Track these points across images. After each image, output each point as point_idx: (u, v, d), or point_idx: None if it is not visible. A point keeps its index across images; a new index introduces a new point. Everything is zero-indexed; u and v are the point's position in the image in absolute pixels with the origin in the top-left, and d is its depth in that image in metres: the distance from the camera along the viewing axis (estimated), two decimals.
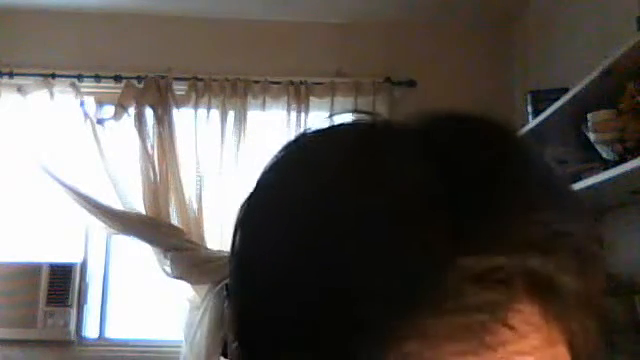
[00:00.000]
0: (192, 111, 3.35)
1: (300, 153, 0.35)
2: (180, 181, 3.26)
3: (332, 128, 0.37)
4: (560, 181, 0.35)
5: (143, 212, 3.23)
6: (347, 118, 0.36)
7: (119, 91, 3.33)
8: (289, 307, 0.30)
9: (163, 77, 3.34)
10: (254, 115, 3.36)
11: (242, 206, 0.36)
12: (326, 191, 0.31)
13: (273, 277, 0.32)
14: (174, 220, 3.23)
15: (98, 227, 3.28)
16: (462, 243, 0.29)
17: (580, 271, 0.32)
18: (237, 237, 0.36)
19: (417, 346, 0.28)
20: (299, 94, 3.35)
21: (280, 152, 0.35)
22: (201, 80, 3.35)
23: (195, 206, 3.25)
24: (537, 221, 0.30)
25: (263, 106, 3.36)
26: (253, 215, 0.35)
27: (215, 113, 3.34)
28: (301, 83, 3.37)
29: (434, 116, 0.36)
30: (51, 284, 3.25)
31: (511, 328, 0.29)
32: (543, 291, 0.30)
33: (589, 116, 1.94)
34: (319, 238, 0.30)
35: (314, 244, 0.30)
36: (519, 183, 0.32)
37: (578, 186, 2.01)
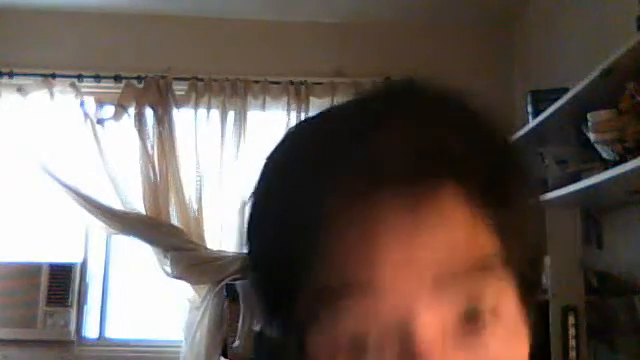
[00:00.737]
0: (192, 111, 3.35)
1: (287, 141, 0.43)
2: (180, 181, 3.26)
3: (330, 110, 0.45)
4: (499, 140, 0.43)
5: (143, 212, 3.23)
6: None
7: (119, 91, 3.33)
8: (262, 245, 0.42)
9: (163, 77, 3.34)
10: (254, 115, 3.36)
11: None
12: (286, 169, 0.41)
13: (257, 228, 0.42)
14: (174, 220, 3.23)
15: (98, 227, 3.28)
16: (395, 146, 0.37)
17: (499, 185, 0.38)
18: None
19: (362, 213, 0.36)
20: (299, 94, 3.35)
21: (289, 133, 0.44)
22: (201, 80, 3.35)
23: (195, 206, 3.25)
24: (470, 141, 0.38)
25: (263, 106, 3.36)
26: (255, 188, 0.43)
27: (215, 113, 3.34)
28: (301, 83, 3.37)
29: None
30: (51, 284, 3.25)
31: (439, 202, 0.36)
32: (470, 178, 0.37)
33: (589, 116, 1.94)
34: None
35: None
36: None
37: (578, 186, 2.01)
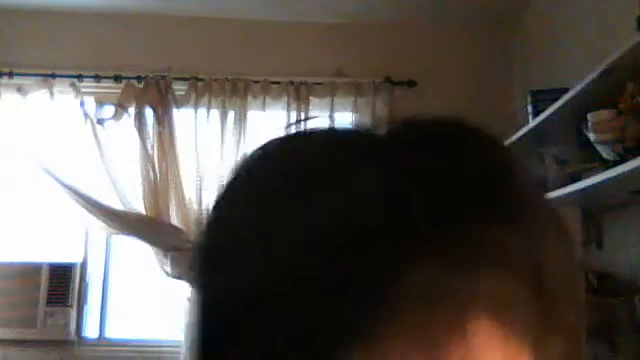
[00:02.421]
0: (192, 111, 3.35)
1: (263, 163, 0.34)
2: (180, 181, 3.26)
3: (297, 135, 0.36)
4: (533, 194, 0.33)
5: (143, 212, 3.23)
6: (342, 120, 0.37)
7: (119, 91, 3.33)
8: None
9: (163, 77, 3.34)
10: (254, 115, 3.36)
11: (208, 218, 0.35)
12: (275, 211, 0.30)
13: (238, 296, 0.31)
14: (174, 220, 3.23)
15: (98, 227, 3.28)
16: (411, 257, 0.28)
17: (539, 289, 0.30)
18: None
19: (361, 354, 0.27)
20: (299, 94, 3.35)
21: (246, 158, 0.35)
22: (201, 80, 3.35)
23: (195, 206, 3.25)
24: (493, 237, 0.29)
25: (263, 106, 3.36)
26: (214, 216, 0.35)
27: (215, 113, 3.34)
28: (301, 83, 3.37)
29: (407, 122, 0.34)
30: (51, 284, 3.25)
31: (466, 343, 0.27)
32: (499, 310, 0.28)
33: (589, 116, 1.94)
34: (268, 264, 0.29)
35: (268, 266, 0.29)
36: (479, 194, 0.30)
37: (578, 186, 2.01)
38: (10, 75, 3.32)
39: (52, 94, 3.31)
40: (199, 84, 3.35)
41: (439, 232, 0.28)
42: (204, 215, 0.30)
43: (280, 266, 0.29)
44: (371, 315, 0.27)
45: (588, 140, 1.99)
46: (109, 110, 3.39)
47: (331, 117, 3.46)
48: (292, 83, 3.36)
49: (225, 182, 0.35)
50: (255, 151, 0.34)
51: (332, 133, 0.35)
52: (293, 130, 0.35)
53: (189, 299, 3.21)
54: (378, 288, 0.27)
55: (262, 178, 0.33)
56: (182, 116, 3.35)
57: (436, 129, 0.33)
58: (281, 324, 0.28)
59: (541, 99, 2.48)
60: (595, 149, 1.96)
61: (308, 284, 0.28)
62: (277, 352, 0.28)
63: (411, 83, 3.40)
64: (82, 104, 3.32)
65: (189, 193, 3.26)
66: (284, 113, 3.35)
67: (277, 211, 0.30)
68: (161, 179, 3.26)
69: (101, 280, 3.40)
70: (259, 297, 0.29)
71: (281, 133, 0.35)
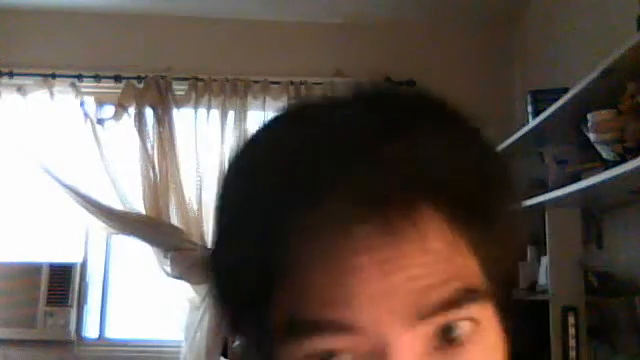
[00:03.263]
0: (192, 111, 3.35)
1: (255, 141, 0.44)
2: (180, 181, 3.26)
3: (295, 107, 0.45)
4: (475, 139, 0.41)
5: (143, 212, 3.23)
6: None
7: (119, 91, 3.33)
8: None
9: (163, 77, 3.34)
10: (254, 115, 3.36)
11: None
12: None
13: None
14: (174, 220, 3.23)
15: (98, 227, 3.28)
16: (369, 156, 0.35)
17: (479, 198, 0.37)
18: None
19: (328, 235, 0.35)
20: (299, 94, 3.35)
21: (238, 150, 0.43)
22: (201, 80, 3.35)
23: (195, 206, 3.25)
24: (437, 152, 0.36)
25: (263, 106, 3.36)
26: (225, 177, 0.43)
27: (215, 113, 3.34)
28: (301, 83, 3.37)
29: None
30: (51, 284, 3.25)
31: (416, 225, 0.35)
32: (450, 204, 0.36)
33: (589, 116, 1.94)
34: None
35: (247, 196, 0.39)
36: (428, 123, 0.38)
37: (578, 186, 2.01)
38: (10, 75, 3.32)
39: (52, 94, 3.31)
40: (199, 84, 3.35)
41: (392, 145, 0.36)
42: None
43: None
44: (338, 206, 0.34)
45: (588, 140, 1.99)
46: (109, 110, 3.39)
47: None
48: (292, 83, 3.36)
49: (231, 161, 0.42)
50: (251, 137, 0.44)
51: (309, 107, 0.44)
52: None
53: (189, 299, 3.21)
54: (342, 186, 0.34)
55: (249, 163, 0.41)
56: (182, 116, 3.35)
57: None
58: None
59: (541, 99, 2.48)
60: (595, 149, 1.96)
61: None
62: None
63: (411, 83, 3.40)
64: (82, 104, 3.32)
65: (189, 193, 3.26)
66: None
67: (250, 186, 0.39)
68: (161, 179, 3.26)
69: (101, 280, 3.40)
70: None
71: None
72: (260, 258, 0.36)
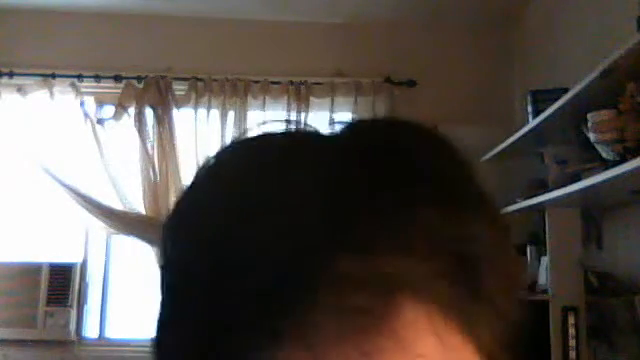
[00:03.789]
0: (192, 111, 3.35)
1: (219, 163, 0.37)
2: (180, 181, 3.26)
3: (253, 139, 0.38)
4: (468, 187, 0.35)
5: (143, 212, 3.23)
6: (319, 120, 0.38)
7: (119, 91, 3.33)
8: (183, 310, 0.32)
9: (163, 77, 3.34)
10: (254, 115, 3.36)
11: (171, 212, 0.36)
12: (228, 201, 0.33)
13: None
14: None
15: (98, 227, 3.28)
16: (339, 244, 0.29)
17: (466, 275, 0.31)
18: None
19: (290, 347, 0.28)
20: (299, 94, 3.35)
21: (206, 162, 0.36)
22: (201, 80, 3.35)
23: None
24: (420, 224, 0.31)
25: (263, 106, 3.36)
26: (172, 222, 0.36)
27: (215, 113, 3.34)
28: (301, 83, 3.37)
29: (359, 127, 0.37)
30: (51, 284, 3.25)
31: (396, 333, 0.29)
32: (428, 296, 0.30)
33: (589, 116, 1.94)
34: (212, 240, 0.32)
35: (206, 247, 0.32)
36: (407, 187, 0.32)
37: (578, 186, 2.01)
38: (10, 75, 3.32)
39: (52, 94, 3.31)
40: (199, 84, 3.35)
41: (357, 223, 0.30)
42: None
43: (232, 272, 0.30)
44: (300, 303, 0.29)
45: (588, 140, 1.99)
46: (109, 110, 3.39)
47: (331, 117, 3.48)
48: (292, 83, 3.37)
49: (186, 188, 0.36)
50: (210, 159, 0.36)
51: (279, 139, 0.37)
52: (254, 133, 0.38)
53: None
54: (303, 277, 0.29)
55: (207, 189, 0.35)
56: (182, 116, 3.35)
57: (372, 134, 0.36)
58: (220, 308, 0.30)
59: (541, 99, 2.48)
60: (595, 149, 1.96)
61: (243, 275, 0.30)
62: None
63: (411, 83, 3.40)
64: (82, 104, 3.32)
65: None
66: (284, 113, 3.35)
67: (222, 226, 0.32)
68: (161, 179, 3.26)
69: (101, 280, 3.40)
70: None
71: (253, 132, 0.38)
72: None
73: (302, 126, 0.37)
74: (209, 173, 0.36)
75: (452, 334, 0.31)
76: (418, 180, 0.32)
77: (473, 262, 0.32)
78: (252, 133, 0.38)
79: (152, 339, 0.35)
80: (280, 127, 0.37)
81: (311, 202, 0.31)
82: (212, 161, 0.36)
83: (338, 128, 0.36)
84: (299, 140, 0.37)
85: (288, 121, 0.37)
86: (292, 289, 0.29)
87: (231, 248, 0.31)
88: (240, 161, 0.36)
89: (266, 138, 0.37)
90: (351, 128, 0.36)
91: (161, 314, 0.35)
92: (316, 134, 0.37)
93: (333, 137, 0.36)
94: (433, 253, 0.31)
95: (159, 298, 0.35)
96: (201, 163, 0.36)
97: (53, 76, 3.32)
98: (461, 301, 0.32)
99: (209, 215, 0.33)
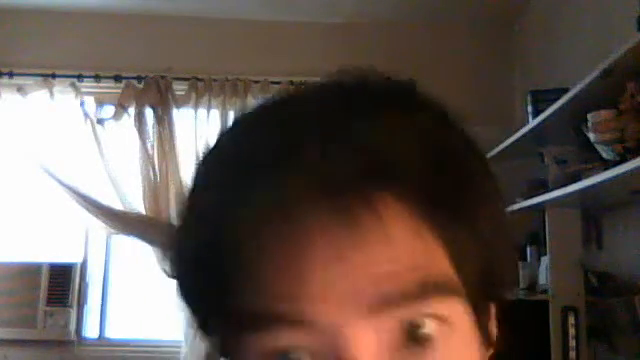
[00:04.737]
0: (192, 111, 3.35)
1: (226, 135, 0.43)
2: (180, 181, 3.25)
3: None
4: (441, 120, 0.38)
5: (143, 212, 3.23)
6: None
7: (119, 91, 3.33)
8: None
9: (163, 77, 3.34)
10: None
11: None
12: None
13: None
14: (174, 220, 3.23)
15: (98, 227, 3.28)
16: (320, 132, 0.34)
17: (451, 183, 0.34)
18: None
19: (283, 229, 0.33)
20: None
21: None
22: (201, 80, 3.35)
23: None
24: (407, 122, 0.35)
25: None
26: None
27: (215, 113, 3.34)
28: (301, 83, 3.36)
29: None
30: (51, 284, 3.25)
31: (377, 214, 0.32)
32: (409, 189, 0.33)
33: (589, 116, 1.94)
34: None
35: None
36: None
37: (578, 186, 2.01)
38: (10, 75, 3.32)
39: (52, 94, 3.31)
40: (199, 84, 3.35)
41: (335, 121, 0.35)
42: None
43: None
44: (292, 197, 0.32)
45: (588, 140, 1.99)
46: (109, 110, 3.39)
47: None
48: (292, 83, 3.36)
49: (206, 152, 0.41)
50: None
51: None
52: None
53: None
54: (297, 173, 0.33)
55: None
56: (182, 116, 3.35)
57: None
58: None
59: (541, 99, 2.48)
60: (595, 149, 1.96)
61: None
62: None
63: None
64: (82, 104, 3.32)
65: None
66: None
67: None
68: (161, 179, 3.26)
69: (101, 280, 3.40)
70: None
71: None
72: (215, 251, 0.34)
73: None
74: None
75: (427, 238, 0.34)
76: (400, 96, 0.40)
77: (459, 174, 0.35)
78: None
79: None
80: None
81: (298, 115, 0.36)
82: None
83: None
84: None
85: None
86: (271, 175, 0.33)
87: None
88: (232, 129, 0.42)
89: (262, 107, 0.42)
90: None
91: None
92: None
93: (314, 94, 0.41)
94: (420, 145, 0.34)
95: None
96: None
97: (53, 76, 3.32)
98: (441, 208, 0.34)
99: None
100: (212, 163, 0.39)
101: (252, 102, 3.35)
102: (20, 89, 3.31)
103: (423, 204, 0.33)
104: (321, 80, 0.41)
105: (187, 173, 3.28)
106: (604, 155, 1.92)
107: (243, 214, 0.33)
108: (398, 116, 0.36)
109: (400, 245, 0.33)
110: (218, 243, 0.34)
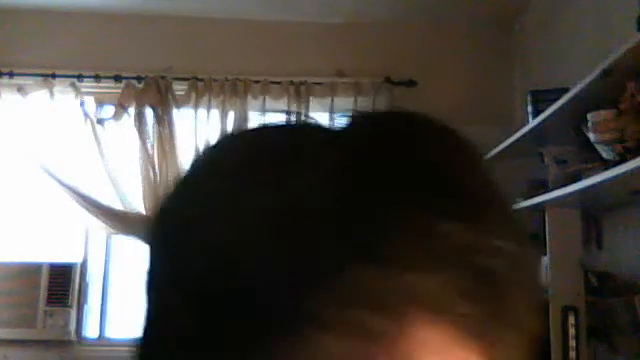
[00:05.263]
0: (192, 111, 3.35)
1: (216, 155, 0.34)
2: None
3: (253, 130, 0.35)
4: (493, 195, 0.32)
5: (143, 212, 3.23)
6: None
7: (119, 91, 3.33)
8: (197, 312, 0.29)
9: (163, 77, 3.34)
10: (254, 115, 3.37)
11: (159, 207, 0.34)
12: (229, 196, 0.30)
13: (182, 283, 0.31)
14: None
15: (98, 227, 3.28)
16: (342, 252, 0.27)
17: (488, 293, 0.29)
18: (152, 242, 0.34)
19: None
20: (299, 94, 3.35)
21: (201, 153, 0.34)
22: (201, 80, 3.35)
23: None
24: (437, 235, 0.28)
25: (263, 106, 3.36)
26: (164, 220, 0.34)
27: (215, 113, 3.34)
28: (301, 83, 3.37)
29: (365, 117, 0.33)
30: (51, 284, 3.25)
31: (406, 348, 0.27)
32: (438, 309, 0.27)
33: (589, 116, 1.94)
34: (219, 244, 0.29)
35: (215, 247, 0.29)
36: (430, 190, 0.29)
37: (578, 186, 2.01)
38: (10, 75, 3.32)
39: (52, 94, 3.31)
40: (199, 84, 3.35)
41: (374, 233, 0.27)
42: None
43: (219, 264, 0.28)
44: (308, 316, 0.26)
45: (588, 140, 1.99)
46: (109, 110, 3.39)
47: (331, 117, 3.46)
48: (292, 83, 3.36)
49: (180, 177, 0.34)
50: (208, 148, 0.34)
51: (282, 130, 0.35)
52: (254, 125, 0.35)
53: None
54: (312, 290, 0.26)
55: (208, 178, 0.33)
56: (182, 116, 3.35)
57: (389, 124, 0.32)
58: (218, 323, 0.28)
59: (541, 99, 2.48)
60: (595, 149, 1.96)
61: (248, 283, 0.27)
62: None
63: (411, 83, 3.40)
64: (82, 104, 3.32)
65: None
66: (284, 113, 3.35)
67: (214, 216, 0.30)
68: (161, 179, 3.26)
69: (101, 280, 3.40)
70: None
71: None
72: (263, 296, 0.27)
73: (304, 119, 0.35)
74: (206, 167, 0.33)
75: (469, 355, 0.28)
76: (434, 185, 0.29)
77: (496, 278, 0.29)
78: (252, 125, 0.35)
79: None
80: (280, 120, 0.35)
81: (313, 203, 0.28)
82: (209, 154, 0.34)
83: (343, 121, 0.33)
84: (301, 134, 0.33)
85: (288, 112, 0.35)
86: (290, 297, 0.26)
87: (228, 250, 0.28)
88: (238, 156, 0.32)
89: (265, 131, 0.34)
90: (358, 122, 0.33)
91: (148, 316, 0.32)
92: (319, 128, 0.33)
93: (339, 131, 0.32)
94: (452, 267, 0.28)
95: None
96: (199, 153, 0.34)
97: (53, 76, 3.32)
98: (482, 322, 0.29)
99: (203, 218, 0.30)
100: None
101: (252, 102, 3.35)
102: (20, 89, 3.31)
103: (463, 325, 0.28)
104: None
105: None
106: (604, 155, 1.92)
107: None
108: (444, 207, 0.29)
109: None
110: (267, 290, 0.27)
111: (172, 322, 0.31)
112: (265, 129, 0.35)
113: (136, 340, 0.33)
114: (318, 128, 0.33)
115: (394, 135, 0.31)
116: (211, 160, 0.34)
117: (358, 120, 0.33)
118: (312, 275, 0.26)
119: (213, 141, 0.34)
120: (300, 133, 0.34)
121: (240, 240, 0.28)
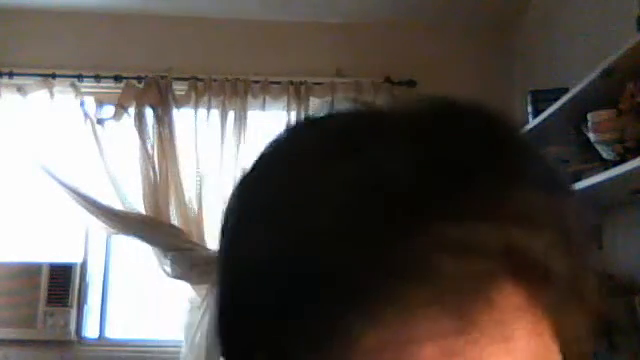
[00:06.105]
0: (192, 111, 3.35)
1: (284, 144, 0.35)
2: (180, 181, 3.26)
3: (322, 118, 0.38)
4: (553, 172, 0.33)
5: (143, 212, 3.23)
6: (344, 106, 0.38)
7: (119, 91, 3.33)
8: (266, 294, 0.30)
9: (163, 77, 3.34)
10: (254, 115, 3.36)
11: (229, 200, 0.35)
12: (300, 181, 0.31)
13: (250, 269, 0.31)
14: (174, 220, 3.23)
15: (98, 227, 3.28)
16: (436, 209, 0.27)
17: (570, 256, 0.30)
18: (223, 232, 0.35)
19: (385, 319, 0.27)
20: (299, 94, 3.35)
21: (269, 143, 0.36)
22: (201, 80, 3.35)
23: (195, 206, 3.25)
24: (522, 195, 0.29)
25: (263, 106, 3.36)
26: (235, 210, 0.35)
27: (215, 113, 3.34)
28: (301, 83, 3.37)
29: (428, 103, 0.35)
30: (51, 284, 3.25)
31: (492, 306, 0.27)
32: (529, 272, 0.28)
33: (589, 116, 1.94)
34: (290, 226, 0.30)
35: (286, 232, 0.30)
36: (504, 165, 0.30)
37: (578, 186, 2.01)
38: (10, 75, 3.32)
39: (52, 94, 3.31)
40: (199, 84, 3.35)
41: (463, 193, 0.28)
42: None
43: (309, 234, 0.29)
44: (397, 278, 0.27)
45: (588, 140, 1.99)
46: (109, 110, 3.39)
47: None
48: (292, 83, 3.36)
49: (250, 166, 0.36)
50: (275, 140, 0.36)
51: (344, 117, 0.37)
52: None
53: (189, 299, 3.21)
54: (404, 253, 0.27)
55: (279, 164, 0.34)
56: (182, 116, 3.35)
57: (447, 109, 0.34)
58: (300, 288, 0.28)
59: (541, 99, 2.48)
60: (595, 149, 1.96)
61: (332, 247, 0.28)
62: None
63: (411, 83, 3.40)
64: (82, 104, 3.32)
65: (189, 193, 3.26)
66: (284, 113, 3.35)
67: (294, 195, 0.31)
68: (161, 179, 3.26)
69: (101, 280, 3.40)
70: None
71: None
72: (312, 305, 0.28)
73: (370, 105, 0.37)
74: (275, 156, 0.35)
75: (542, 321, 0.29)
76: (510, 160, 0.31)
77: (580, 245, 0.31)
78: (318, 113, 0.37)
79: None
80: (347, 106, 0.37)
81: (404, 177, 0.29)
82: (287, 138, 0.35)
83: (407, 104, 0.35)
84: (372, 117, 0.35)
85: (355, 100, 0.37)
86: (378, 260, 0.27)
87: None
88: (316, 140, 0.34)
89: (339, 117, 0.37)
90: (424, 105, 0.34)
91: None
92: (381, 111, 0.35)
93: (408, 115, 0.33)
94: (541, 225, 0.29)
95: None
96: (266, 145, 0.35)
97: (53, 76, 3.32)
98: (559, 289, 0.29)
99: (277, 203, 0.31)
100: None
101: (252, 102, 3.35)
102: (20, 89, 3.31)
103: (540, 291, 0.29)
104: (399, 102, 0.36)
105: (187, 173, 3.28)
106: (604, 155, 1.92)
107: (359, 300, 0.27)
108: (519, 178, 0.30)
109: (519, 348, 0.28)
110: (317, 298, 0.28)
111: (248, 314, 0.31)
112: (336, 115, 0.37)
113: (215, 313, 0.34)
114: (380, 112, 0.36)
115: (462, 118, 0.34)
116: (290, 144, 0.35)
117: (420, 105, 0.34)
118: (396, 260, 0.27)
119: (282, 130, 0.36)
120: (369, 117, 0.36)
121: (307, 227, 0.29)
